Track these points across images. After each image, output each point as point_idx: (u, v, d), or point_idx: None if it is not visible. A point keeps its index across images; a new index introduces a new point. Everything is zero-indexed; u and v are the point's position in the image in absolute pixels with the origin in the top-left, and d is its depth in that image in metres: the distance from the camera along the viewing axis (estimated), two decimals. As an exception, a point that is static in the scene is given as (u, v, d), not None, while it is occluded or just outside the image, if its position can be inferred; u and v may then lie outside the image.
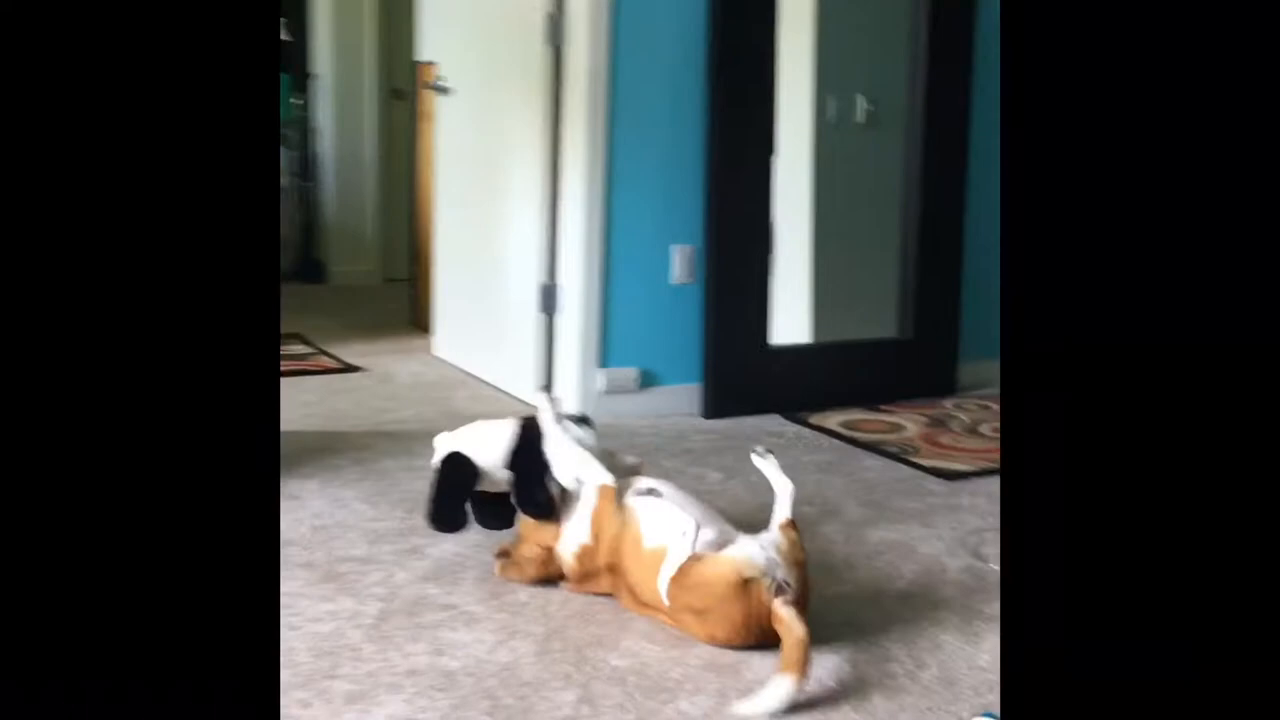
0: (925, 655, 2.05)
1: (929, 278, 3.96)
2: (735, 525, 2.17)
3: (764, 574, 1.96)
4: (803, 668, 1.84)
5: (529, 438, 2.28)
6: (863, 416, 3.71)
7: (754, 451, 2.17)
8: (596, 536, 2.18)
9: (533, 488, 2.24)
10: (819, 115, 4.01)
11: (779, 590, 1.95)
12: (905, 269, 3.99)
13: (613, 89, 3.49)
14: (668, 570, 2.04)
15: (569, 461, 2.25)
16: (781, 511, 2.07)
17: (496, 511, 2.31)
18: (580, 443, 2.28)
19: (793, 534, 2.05)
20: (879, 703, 1.88)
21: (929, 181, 3.92)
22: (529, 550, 2.27)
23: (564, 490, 2.26)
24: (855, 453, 3.33)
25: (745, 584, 1.96)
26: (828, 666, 1.99)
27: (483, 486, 2.29)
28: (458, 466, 2.27)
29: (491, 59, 3.97)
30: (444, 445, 2.32)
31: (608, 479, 2.21)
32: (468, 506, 2.29)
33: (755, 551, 1.99)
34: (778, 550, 2.00)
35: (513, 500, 2.26)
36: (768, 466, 2.15)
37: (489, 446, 2.28)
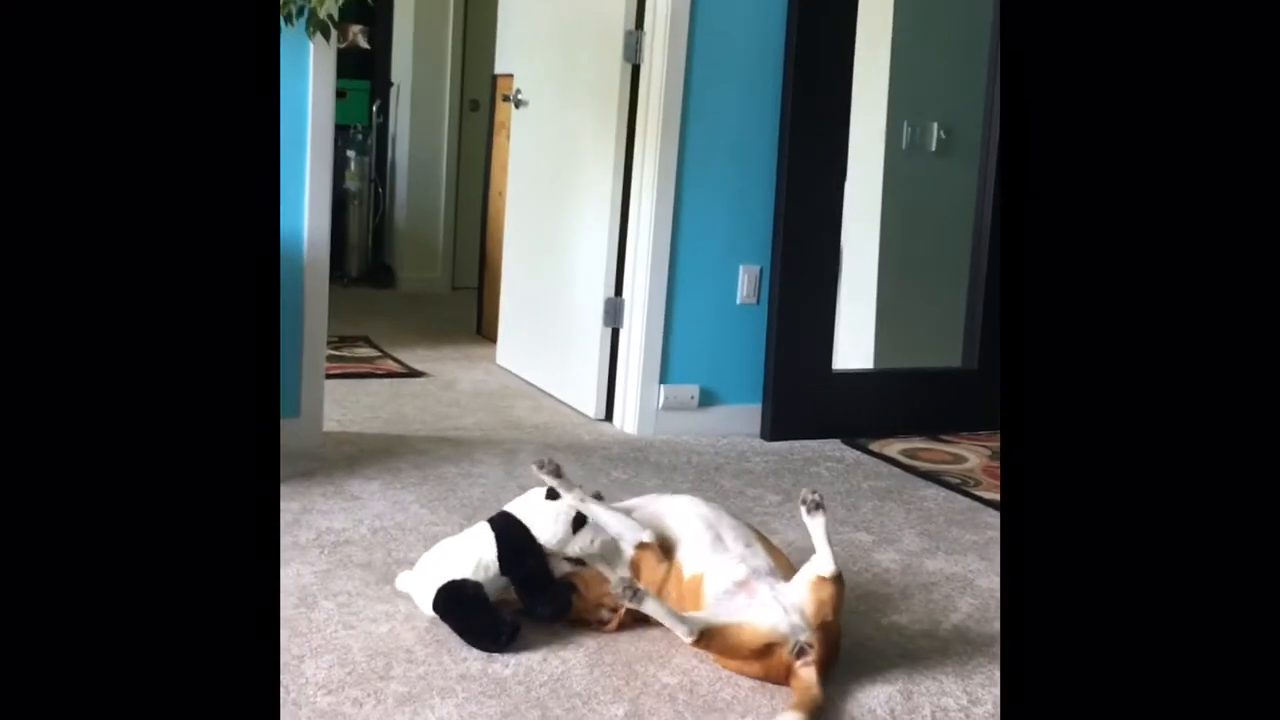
0: (980, 691, 2.02)
1: (997, 309, 3.92)
2: (780, 545, 2.15)
3: (787, 639, 1.94)
4: (810, 712, 1.84)
5: (509, 537, 2.11)
6: (924, 445, 3.67)
7: (803, 503, 2.03)
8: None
9: (539, 595, 2.10)
10: (892, 141, 3.99)
11: (800, 652, 1.93)
12: (973, 298, 3.95)
13: (687, 107, 3.51)
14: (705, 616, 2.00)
15: (592, 532, 2.15)
16: (815, 569, 2.00)
17: (543, 600, 2.12)
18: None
19: (824, 594, 1.98)
20: (930, 735, 1.86)
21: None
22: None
23: (578, 560, 2.17)
24: (915, 481, 3.30)
25: (768, 647, 1.94)
26: (880, 698, 1.98)
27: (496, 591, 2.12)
28: (459, 594, 2.07)
29: (568, 73, 4.01)
30: (421, 582, 2.12)
31: (646, 536, 2.18)
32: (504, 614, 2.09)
33: (780, 618, 1.95)
34: (802, 614, 1.96)
35: (529, 611, 2.12)
36: (814, 525, 2.02)
37: (471, 565, 2.08)
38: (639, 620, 2.16)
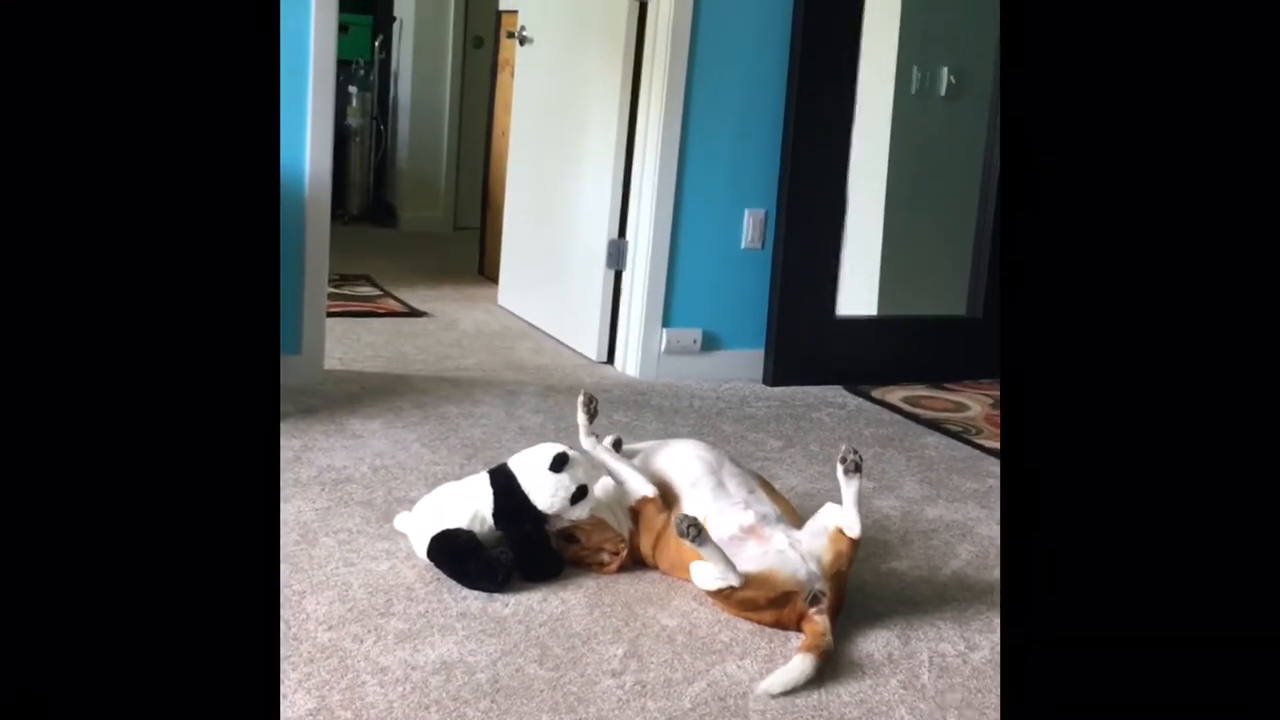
0: (978, 636, 2.03)
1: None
2: (784, 490, 2.15)
3: (804, 586, 1.95)
4: (821, 655, 1.85)
5: (507, 495, 2.10)
6: (926, 393, 3.67)
7: (841, 462, 1.99)
8: (639, 535, 2.17)
9: (531, 560, 2.09)
10: (901, 86, 3.94)
11: (814, 600, 1.94)
12: (979, 246, 3.92)
13: (694, 49, 3.46)
14: (704, 576, 1.98)
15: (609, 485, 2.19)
16: (839, 523, 2.00)
17: (535, 565, 2.11)
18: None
19: (843, 546, 1.98)
20: (929, 681, 1.87)
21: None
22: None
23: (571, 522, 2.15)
24: (916, 429, 3.29)
25: (785, 595, 1.95)
26: (879, 643, 1.98)
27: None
28: (453, 544, 2.07)
29: (574, 10, 3.94)
30: (418, 527, 2.12)
31: (649, 492, 2.16)
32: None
33: (798, 566, 1.96)
34: (819, 562, 1.97)
35: (520, 570, 2.09)
36: (849, 487, 1.99)
37: (468, 516, 2.09)
38: (638, 563, 2.17)
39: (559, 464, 2.09)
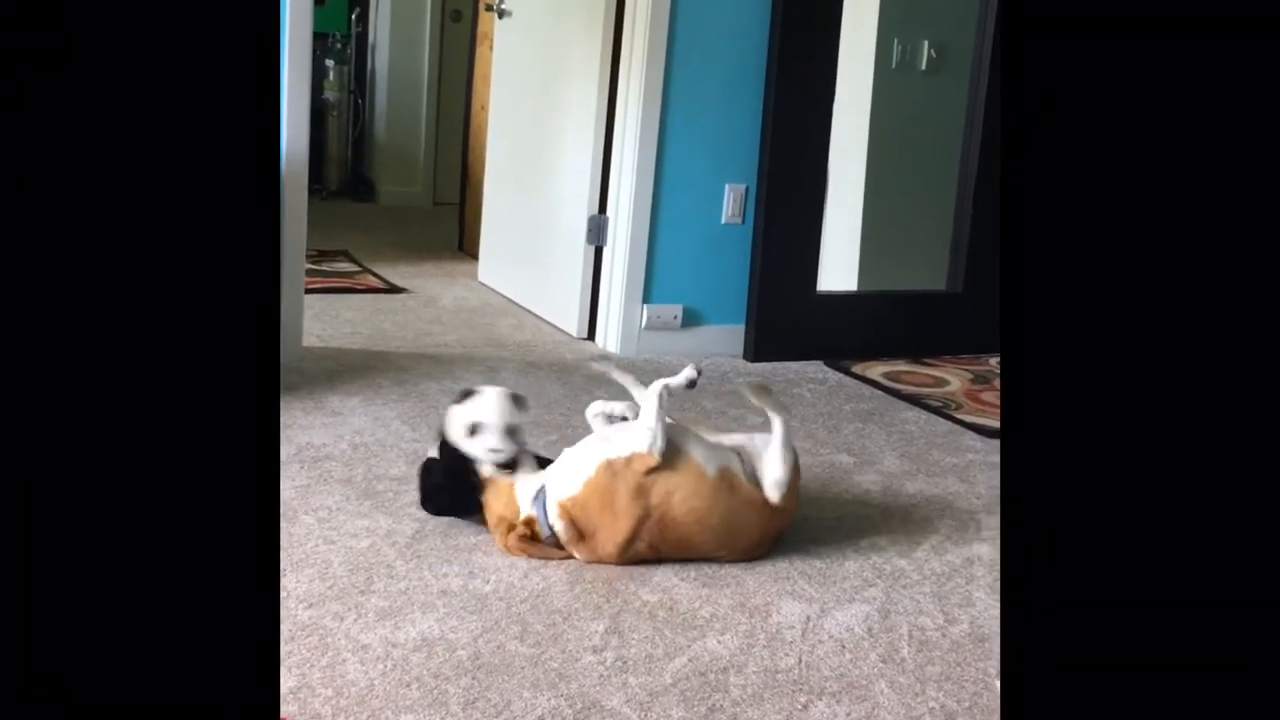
0: (957, 611, 2.04)
1: (983, 232, 3.89)
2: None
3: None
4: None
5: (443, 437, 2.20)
6: (906, 368, 3.68)
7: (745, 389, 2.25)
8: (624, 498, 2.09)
9: (434, 487, 2.21)
10: (881, 60, 3.93)
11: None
12: (959, 222, 3.93)
13: (674, 23, 3.43)
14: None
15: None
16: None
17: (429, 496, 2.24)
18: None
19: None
20: (908, 655, 1.88)
21: (990, 133, 3.84)
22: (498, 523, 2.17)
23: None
24: (896, 404, 3.30)
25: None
26: (858, 616, 1.99)
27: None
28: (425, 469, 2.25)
29: (553, -16, 3.91)
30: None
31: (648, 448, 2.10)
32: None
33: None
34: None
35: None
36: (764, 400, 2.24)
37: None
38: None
39: (463, 396, 2.21)
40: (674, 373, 2.17)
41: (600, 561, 2.08)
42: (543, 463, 2.19)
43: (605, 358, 2.26)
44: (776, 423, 2.20)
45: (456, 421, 2.18)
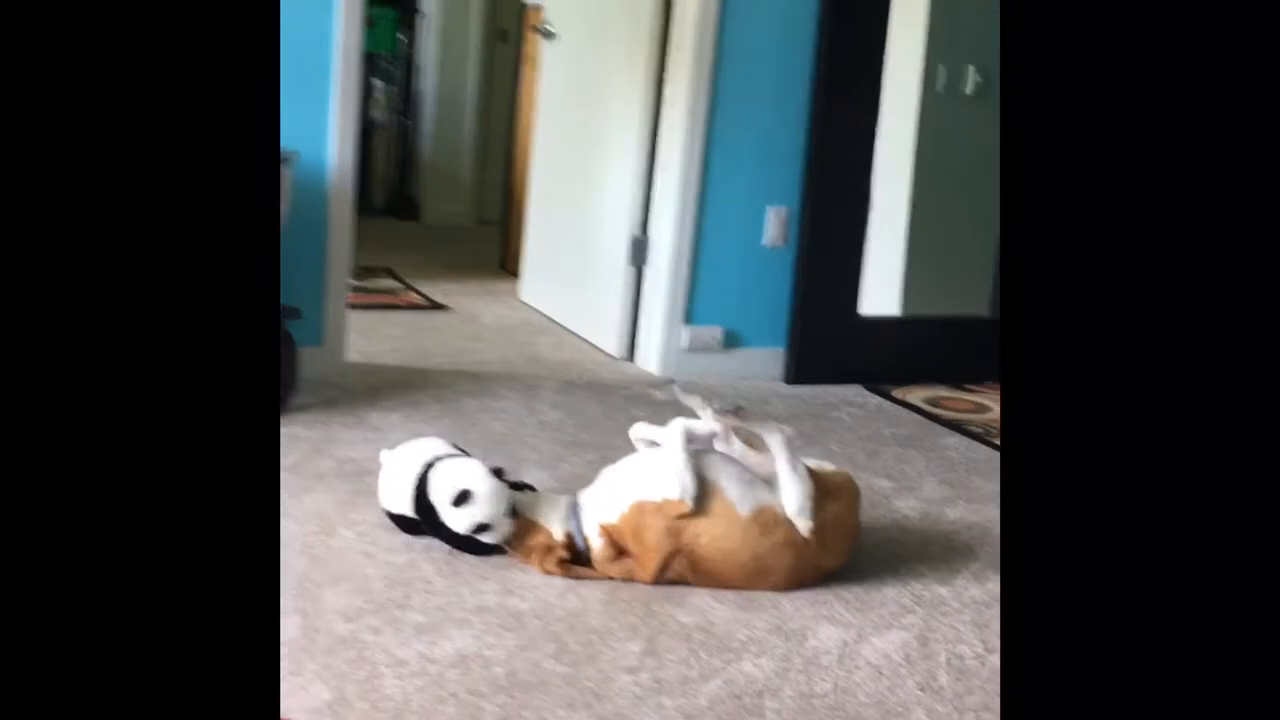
0: (996, 639, 2.02)
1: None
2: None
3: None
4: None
5: (421, 492, 2.14)
6: (947, 394, 3.65)
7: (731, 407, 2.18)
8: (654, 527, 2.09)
9: (460, 544, 2.13)
10: (927, 84, 3.91)
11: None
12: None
13: (720, 44, 3.45)
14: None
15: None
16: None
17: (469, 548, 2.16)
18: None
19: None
20: (946, 683, 1.86)
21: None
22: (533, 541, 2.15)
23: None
24: (937, 430, 3.28)
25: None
26: (896, 643, 1.98)
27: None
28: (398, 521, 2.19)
29: (599, 5, 3.94)
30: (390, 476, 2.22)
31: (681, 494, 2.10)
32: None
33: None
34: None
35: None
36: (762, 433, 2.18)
37: (398, 493, 2.17)
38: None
39: (428, 465, 2.14)
40: (712, 394, 2.18)
41: (634, 579, 2.10)
42: (517, 486, 2.20)
43: (669, 380, 2.23)
44: (773, 443, 2.14)
45: (443, 492, 2.10)
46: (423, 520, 2.14)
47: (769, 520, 2.09)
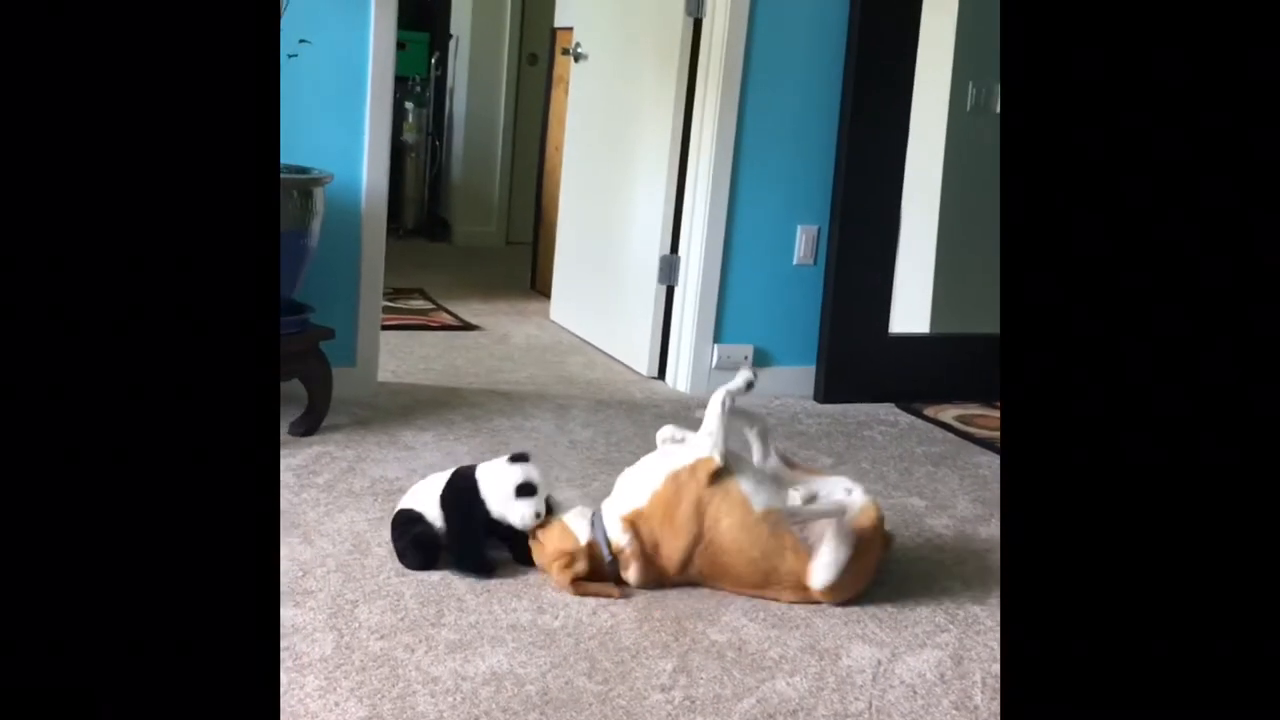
0: (1031, 659, 2.00)
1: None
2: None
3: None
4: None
5: (456, 484, 2.17)
6: (979, 412, 3.63)
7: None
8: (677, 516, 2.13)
9: (464, 552, 2.14)
10: (956, 102, 3.91)
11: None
12: (1035, 264, 3.88)
13: (748, 65, 3.46)
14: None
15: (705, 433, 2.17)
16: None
17: (466, 557, 2.17)
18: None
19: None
20: (982, 703, 1.85)
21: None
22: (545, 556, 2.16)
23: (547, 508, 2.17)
24: (969, 448, 3.26)
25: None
26: (930, 662, 1.96)
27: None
28: (407, 522, 2.19)
29: (629, 27, 3.97)
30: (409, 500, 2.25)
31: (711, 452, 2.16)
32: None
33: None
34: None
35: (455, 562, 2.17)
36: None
37: (430, 502, 2.19)
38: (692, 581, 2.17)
39: (519, 458, 2.18)
40: (750, 416, 2.18)
41: (658, 579, 2.11)
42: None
43: (745, 359, 2.36)
44: (836, 505, 2.18)
45: (501, 483, 2.14)
46: (449, 520, 2.15)
47: (776, 522, 2.12)
